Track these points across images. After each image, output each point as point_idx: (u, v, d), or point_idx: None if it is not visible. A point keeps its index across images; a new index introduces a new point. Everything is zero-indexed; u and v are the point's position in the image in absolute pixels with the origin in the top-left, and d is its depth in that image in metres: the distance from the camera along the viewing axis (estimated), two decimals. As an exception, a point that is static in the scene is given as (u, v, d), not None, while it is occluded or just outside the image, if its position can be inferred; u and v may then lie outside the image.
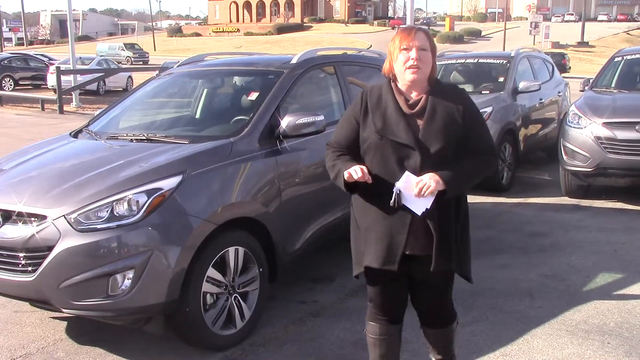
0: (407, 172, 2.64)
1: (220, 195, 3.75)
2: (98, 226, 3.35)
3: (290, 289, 4.72)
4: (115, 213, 3.39)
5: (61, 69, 19.55)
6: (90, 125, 4.87)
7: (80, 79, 21.30)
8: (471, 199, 7.77)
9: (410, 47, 2.69)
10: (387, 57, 2.81)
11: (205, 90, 5.14)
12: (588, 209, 7.12)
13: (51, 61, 27.97)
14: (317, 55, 5.05)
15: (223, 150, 3.94)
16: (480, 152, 2.78)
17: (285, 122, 4.15)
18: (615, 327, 3.97)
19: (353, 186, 2.70)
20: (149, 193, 3.45)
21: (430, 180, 2.59)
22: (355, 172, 2.61)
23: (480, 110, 8.34)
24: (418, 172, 2.64)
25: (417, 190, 2.59)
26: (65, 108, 18.56)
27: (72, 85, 20.01)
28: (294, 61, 4.79)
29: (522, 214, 7.00)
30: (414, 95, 2.76)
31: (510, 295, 4.56)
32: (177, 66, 5.46)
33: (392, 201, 2.64)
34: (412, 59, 2.67)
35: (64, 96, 18.67)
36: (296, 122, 4.14)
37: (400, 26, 3.23)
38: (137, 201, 3.41)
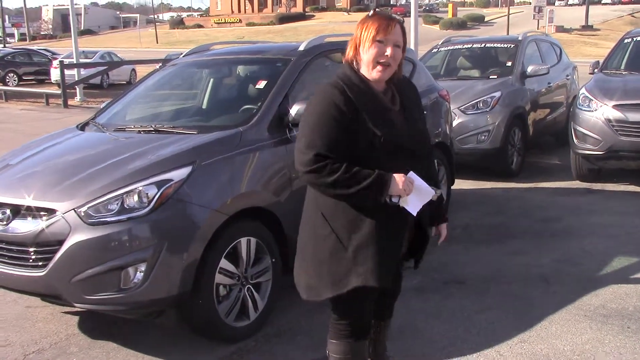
0: (411, 172, 2.51)
1: (230, 185, 3.69)
2: (108, 219, 3.31)
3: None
4: (125, 205, 3.34)
5: (64, 63, 19.48)
6: (97, 118, 4.81)
7: (84, 72, 21.27)
8: (481, 184, 7.79)
9: (387, 41, 2.48)
10: (352, 42, 2.55)
11: (212, 79, 5.07)
12: (600, 193, 7.04)
13: (54, 56, 27.91)
14: (325, 42, 4.98)
15: (232, 139, 3.88)
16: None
17: (295, 110, 4.08)
18: (635, 311, 3.91)
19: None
20: (159, 184, 3.39)
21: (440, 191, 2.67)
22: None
23: (489, 95, 8.28)
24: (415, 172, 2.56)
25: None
26: (70, 102, 18.52)
27: (76, 79, 19.97)
28: (301, 48, 4.72)
29: (533, 198, 6.93)
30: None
31: (525, 281, 4.50)
32: (183, 56, 5.40)
33: (397, 203, 2.49)
34: (387, 55, 2.49)
35: (67, 90, 18.62)
36: (305, 110, 4.07)
37: (377, 10, 3.11)
38: (148, 193, 3.36)
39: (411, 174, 2.50)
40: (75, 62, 20.10)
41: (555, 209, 6.42)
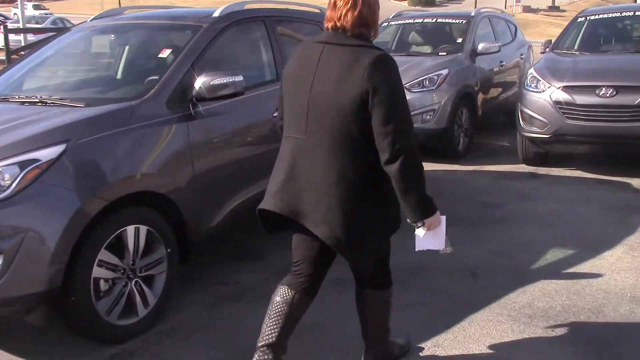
0: (444, 216, 2.77)
1: (115, 167, 3.24)
2: (-40, 203, 2.85)
3: (210, 269, 4.28)
4: (-20, 188, 2.88)
5: (9, 27, 18.49)
6: (-16, 86, 4.29)
7: (32, 38, 20.27)
8: (424, 166, 7.37)
9: None
10: (375, 20, 2.60)
11: (118, 47, 4.58)
12: (545, 178, 6.76)
13: (5, 20, 26.71)
14: (245, 8, 4.52)
15: (121, 114, 3.42)
16: None
17: (199, 82, 3.66)
18: (562, 311, 3.61)
19: None
20: (22, 165, 2.93)
21: None
22: None
23: (436, 73, 7.84)
24: None
25: None
26: (15, 69, 17.63)
27: (22, 44, 19.02)
28: (216, 14, 4.26)
29: (477, 182, 6.62)
30: None
31: (453, 274, 4.17)
32: (92, 20, 4.88)
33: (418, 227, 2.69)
34: None
35: (13, 56, 17.68)
36: (211, 83, 3.65)
37: None
38: (6, 175, 2.89)
39: (444, 217, 2.64)
40: (21, 27, 19.11)
41: (498, 194, 6.11)
